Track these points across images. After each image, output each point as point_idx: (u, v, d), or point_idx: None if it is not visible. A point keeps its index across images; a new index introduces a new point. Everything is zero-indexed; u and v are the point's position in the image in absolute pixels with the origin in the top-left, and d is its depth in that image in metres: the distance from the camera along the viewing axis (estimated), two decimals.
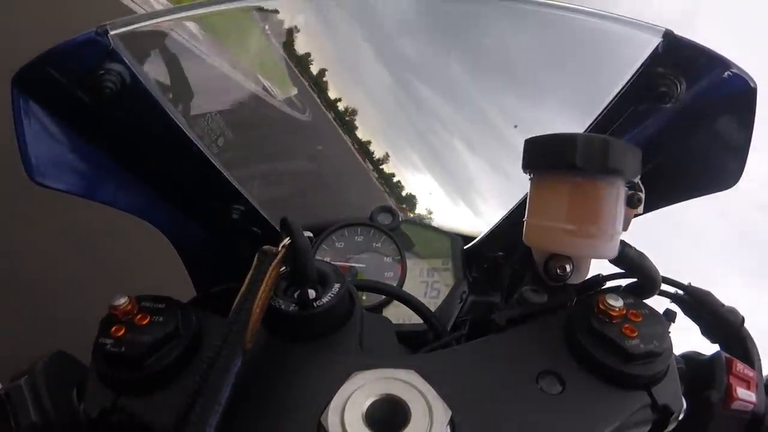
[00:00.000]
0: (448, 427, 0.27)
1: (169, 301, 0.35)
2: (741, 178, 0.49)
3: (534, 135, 0.37)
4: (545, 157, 0.35)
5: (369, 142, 1.05)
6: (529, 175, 0.38)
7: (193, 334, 0.33)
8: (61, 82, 0.45)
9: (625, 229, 0.36)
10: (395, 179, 1.04)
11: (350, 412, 0.27)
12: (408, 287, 0.67)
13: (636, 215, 0.38)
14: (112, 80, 0.45)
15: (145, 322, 0.33)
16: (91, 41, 0.44)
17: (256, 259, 0.33)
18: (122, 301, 0.33)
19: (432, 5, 0.79)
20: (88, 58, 0.44)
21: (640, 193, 0.36)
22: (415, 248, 0.72)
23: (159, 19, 0.50)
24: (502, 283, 0.73)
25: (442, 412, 0.27)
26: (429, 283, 0.69)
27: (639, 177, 0.36)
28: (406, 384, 0.29)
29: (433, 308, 0.65)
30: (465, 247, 0.73)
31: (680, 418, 0.33)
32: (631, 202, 0.36)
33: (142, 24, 0.48)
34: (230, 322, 0.29)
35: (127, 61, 0.46)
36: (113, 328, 0.32)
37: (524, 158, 0.37)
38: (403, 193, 1.02)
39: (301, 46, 0.99)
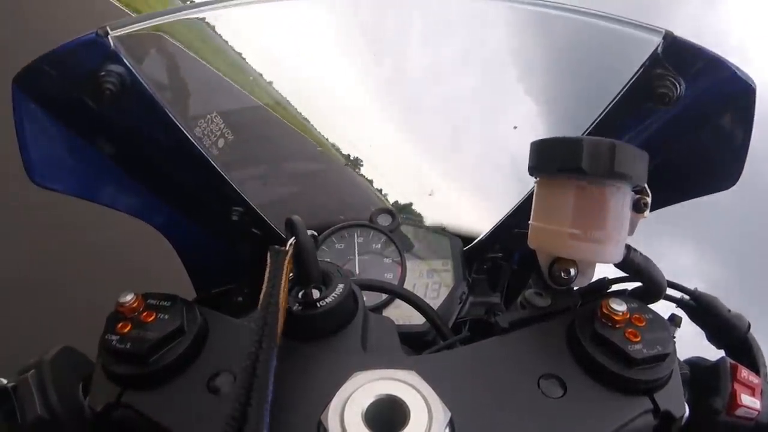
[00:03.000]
0: (448, 428, 0.27)
1: (175, 298, 0.36)
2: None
3: (540, 137, 0.37)
4: (551, 160, 0.35)
5: None
6: (535, 177, 0.38)
7: (198, 331, 0.34)
8: (62, 84, 0.45)
9: (630, 233, 0.36)
10: None
11: (350, 412, 0.27)
12: (408, 288, 0.66)
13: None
14: (112, 82, 0.45)
15: (151, 320, 0.33)
16: (91, 43, 0.44)
17: (269, 257, 0.33)
18: (129, 298, 0.34)
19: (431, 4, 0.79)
20: (89, 59, 0.44)
21: (646, 198, 0.35)
22: (414, 249, 0.72)
23: (159, 20, 0.50)
24: (501, 284, 0.73)
25: (441, 413, 0.27)
26: (429, 284, 0.69)
27: (646, 181, 0.35)
28: (406, 385, 0.29)
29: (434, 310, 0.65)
30: (465, 248, 0.73)
31: (683, 424, 0.33)
32: (638, 207, 0.35)
33: (143, 25, 0.48)
34: (263, 318, 0.29)
35: (127, 63, 0.46)
36: (119, 325, 0.33)
37: (530, 161, 0.37)
38: None
39: None
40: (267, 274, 0.32)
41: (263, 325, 0.29)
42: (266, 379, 0.26)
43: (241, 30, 0.79)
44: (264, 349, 0.27)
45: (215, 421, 0.29)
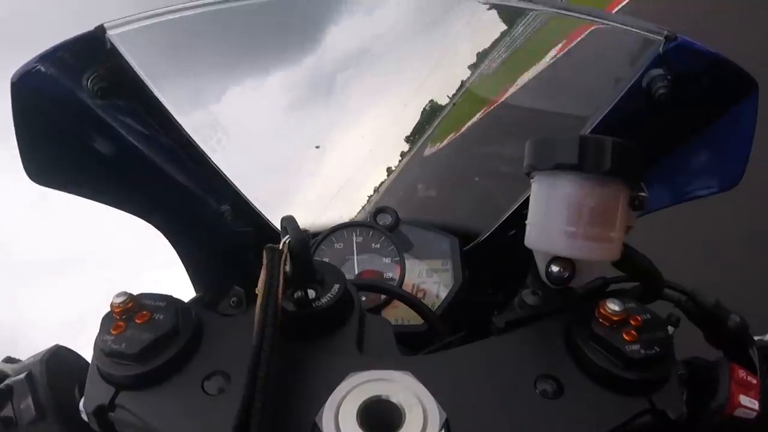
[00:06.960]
0: (443, 429, 0.27)
1: (169, 299, 0.35)
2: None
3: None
4: (547, 158, 0.35)
5: None
6: (531, 176, 0.38)
7: (192, 332, 0.34)
8: (60, 82, 0.45)
9: (627, 231, 0.36)
10: None
11: (345, 413, 0.27)
12: (407, 288, 0.66)
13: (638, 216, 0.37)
14: (110, 79, 0.45)
15: (145, 320, 0.33)
16: (89, 40, 0.44)
17: (265, 256, 0.33)
18: (123, 299, 0.34)
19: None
20: (87, 57, 0.45)
21: (642, 195, 0.35)
22: (414, 249, 0.71)
23: (157, 19, 0.50)
24: (501, 285, 0.73)
25: (436, 415, 0.27)
26: (428, 284, 0.68)
27: (642, 179, 0.35)
28: (402, 386, 0.29)
29: (431, 309, 0.64)
30: (464, 248, 0.73)
31: (681, 424, 0.32)
32: (634, 204, 0.35)
33: (141, 23, 0.48)
34: (261, 320, 0.29)
35: (125, 60, 0.46)
36: (114, 326, 0.33)
37: (526, 159, 0.37)
38: None
39: None
40: (263, 274, 0.32)
41: (263, 326, 0.29)
42: (268, 381, 0.27)
43: None
44: (265, 350, 0.28)
45: (209, 423, 0.29)
